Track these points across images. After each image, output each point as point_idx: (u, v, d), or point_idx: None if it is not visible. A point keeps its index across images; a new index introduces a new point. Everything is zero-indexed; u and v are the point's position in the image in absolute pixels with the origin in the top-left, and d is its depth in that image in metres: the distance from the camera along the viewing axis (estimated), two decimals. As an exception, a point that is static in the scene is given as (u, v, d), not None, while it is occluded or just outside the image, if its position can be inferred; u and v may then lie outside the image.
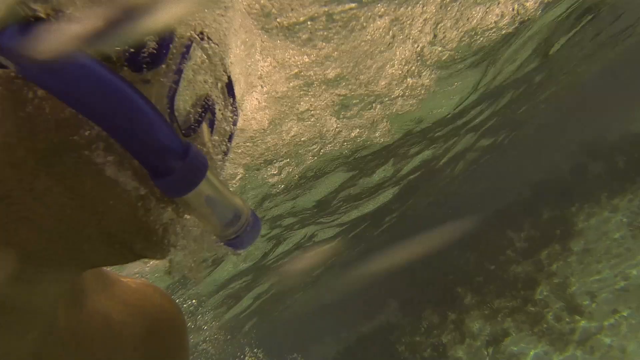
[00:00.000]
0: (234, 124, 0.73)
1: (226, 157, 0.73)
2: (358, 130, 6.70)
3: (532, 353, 9.70)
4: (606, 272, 10.33)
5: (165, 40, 0.53)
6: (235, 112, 0.72)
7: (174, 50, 0.55)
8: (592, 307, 9.48)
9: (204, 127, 0.63)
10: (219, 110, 0.69)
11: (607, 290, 9.62)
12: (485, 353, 10.97)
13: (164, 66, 0.54)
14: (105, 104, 0.46)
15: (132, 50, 0.50)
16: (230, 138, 0.73)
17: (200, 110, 0.61)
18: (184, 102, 0.59)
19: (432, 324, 14.93)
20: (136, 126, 0.48)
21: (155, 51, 0.52)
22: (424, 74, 5.96)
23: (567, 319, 9.71)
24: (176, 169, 0.50)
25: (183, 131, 0.57)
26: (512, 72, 8.96)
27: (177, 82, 0.55)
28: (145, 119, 0.48)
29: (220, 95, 0.68)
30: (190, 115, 0.60)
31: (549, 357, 9.09)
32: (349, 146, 7.06)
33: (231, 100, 0.71)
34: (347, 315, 34.96)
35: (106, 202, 0.51)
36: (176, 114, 0.55)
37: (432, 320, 15.20)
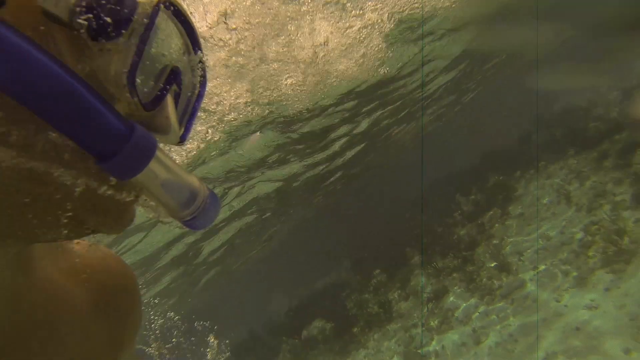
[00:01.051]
0: (200, 95, 0.70)
1: (188, 131, 0.70)
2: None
3: (463, 305, 10.49)
4: (533, 234, 11.16)
5: (127, 6, 0.49)
6: (203, 83, 0.69)
7: (138, 18, 0.51)
8: (518, 265, 10.31)
9: (169, 99, 0.60)
10: (186, 81, 0.66)
11: (532, 250, 10.45)
12: (426, 309, 11.73)
13: (125, 35, 0.50)
14: (29, 83, 0.41)
15: (89, 15, 0.46)
16: (194, 110, 0.70)
17: (164, 82, 0.58)
18: (147, 74, 0.55)
19: (380, 282, 15.70)
20: (68, 107, 0.44)
21: (116, 18, 0.48)
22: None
23: (497, 277, 10.50)
24: (120, 151, 0.48)
25: (144, 105, 0.54)
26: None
27: (139, 53, 0.51)
28: (78, 99, 0.44)
29: (188, 66, 0.65)
30: (154, 88, 0.57)
31: (477, 308, 9.85)
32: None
33: (200, 70, 0.68)
34: (302, 273, 35.96)
35: (52, 182, 0.48)
36: (138, 87, 0.52)
37: (380, 279, 15.96)
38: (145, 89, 0.55)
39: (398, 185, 37.20)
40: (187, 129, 0.70)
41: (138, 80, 0.52)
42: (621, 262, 7.71)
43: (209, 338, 14.18)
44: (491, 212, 14.39)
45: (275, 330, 19.20)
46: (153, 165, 0.52)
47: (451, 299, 11.37)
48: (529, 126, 20.77)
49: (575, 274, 8.40)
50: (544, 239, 10.59)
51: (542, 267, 9.42)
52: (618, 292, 7.22)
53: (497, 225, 13.49)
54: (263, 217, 21.27)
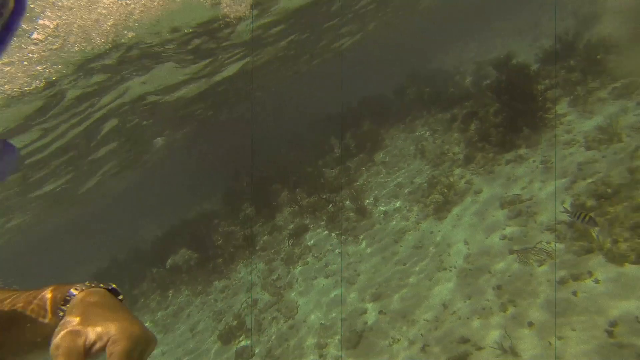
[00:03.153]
0: (17, 12, 0.69)
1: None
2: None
3: (325, 243, 11.45)
4: (390, 181, 12.46)
5: None
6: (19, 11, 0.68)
7: None
8: (372, 208, 11.52)
9: None
10: None
11: (386, 195, 11.74)
12: (287, 244, 12.51)
13: None
14: None
15: None
16: (9, 26, 0.69)
17: None
18: None
19: (248, 216, 16.10)
20: None
21: None
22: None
23: (353, 218, 11.60)
24: None
25: None
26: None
27: None
28: None
29: None
30: None
31: (335, 247, 10.86)
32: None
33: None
34: (172, 203, 34.89)
35: None
36: None
37: (248, 213, 16.35)
38: None
39: (274, 122, 37.33)
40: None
41: None
42: (445, 210, 9.16)
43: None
44: (358, 158, 15.54)
45: (140, 258, 18.66)
46: None
47: (310, 236, 12.30)
48: (405, 80, 22.28)
49: (413, 219, 9.73)
50: (399, 187, 11.92)
51: (393, 209, 10.73)
52: (439, 233, 8.63)
53: (362, 170, 14.65)
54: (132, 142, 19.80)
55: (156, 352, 11.13)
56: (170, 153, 28.56)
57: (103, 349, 0.98)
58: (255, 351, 8.48)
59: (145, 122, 17.89)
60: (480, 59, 20.73)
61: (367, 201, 12.08)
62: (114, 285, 1.23)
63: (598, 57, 10.47)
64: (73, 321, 1.02)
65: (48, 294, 1.21)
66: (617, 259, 5.26)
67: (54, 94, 10.13)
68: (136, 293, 15.68)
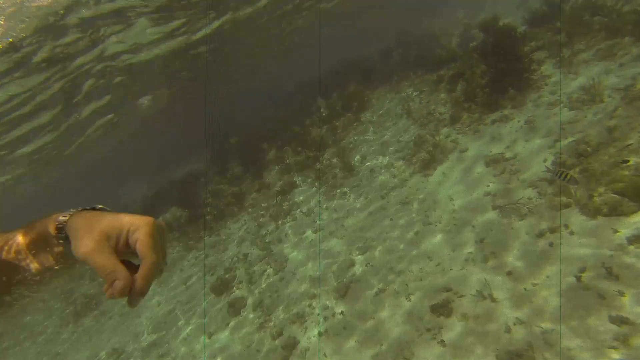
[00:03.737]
0: None
1: None
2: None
3: (312, 201, 11.69)
4: (376, 140, 12.62)
5: None
6: None
7: None
8: (359, 166, 11.73)
9: None
10: None
11: (372, 153, 11.93)
12: (275, 200, 12.72)
13: None
14: None
15: None
16: None
17: None
18: None
19: (235, 174, 16.18)
20: None
21: None
22: None
23: (340, 175, 11.81)
24: None
25: None
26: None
27: None
28: None
29: None
30: None
31: (322, 203, 11.11)
32: None
33: None
34: (161, 162, 34.53)
35: None
36: None
37: (236, 171, 16.41)
38: None
39: (263, 81, 36.63)
40: None
41: None
42: (431, 168, 9.43)
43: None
44: (345, 117, 15.57)
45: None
46: None
47: (297, 193, 12.52)
48: (391, 43, 22.01)
49: (400, 176, 9.98)
50: (385, 145, 12.10)
51: (380, 166, 10.97)
52: (424, 190, 8.94)
53: (348, 129, 14.74)
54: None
55: (153, 302, 11.49)
56: (158, 113, 27.97)
57: (127, 244, 1.06)
58: (247, 302, 8.85)
59: (125, 81, 17.40)
60: (468, 21, 20.52)
61: (354, 159, 12.27)
62: (100, 206, 1.23)
63: (584, 19, 10.54)
64: (86, 242, 1.04)
65: (20, 238, 1.19)
66: (591, 212, 5.61)
67: (23, 55, 9.79)
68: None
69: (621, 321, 4.35)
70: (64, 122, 17.60)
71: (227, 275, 9.90)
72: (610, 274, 4.81)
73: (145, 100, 23.64)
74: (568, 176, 5.31)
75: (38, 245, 1.17)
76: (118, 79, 16.56)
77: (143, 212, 16.22)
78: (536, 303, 5.10)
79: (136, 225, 1.06)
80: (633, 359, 3.99)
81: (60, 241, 1.14)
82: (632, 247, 5.00)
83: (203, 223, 13.85)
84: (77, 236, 1.06)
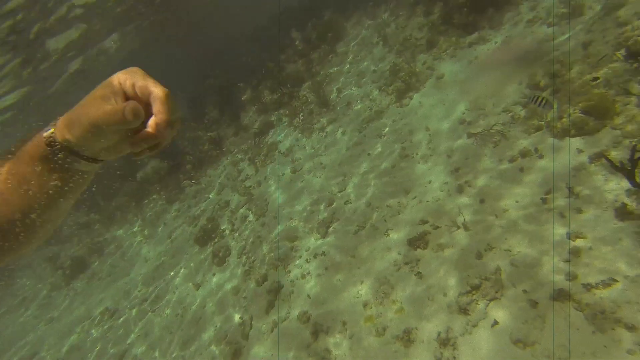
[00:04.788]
0: None
1: None
2: None
3: (289, 139, 11.45)
4: (352, 71, 12.12)
5: None
6: None
7: None
8: (335, 99, 11.36)
9: None
10: None
11: (349, 85, 11.52)
12: (253, 142, 12.45)
13: None
14: None
15: None
16: None
17: None
18: None
19: (212, 119, 15.70)
20: None
21: None
22: None
23: (317, 111, 11.48)
24: None
25: None
26: None
27: None
28: None
29: None
30: None
31: (300, 142, 10.89)
32: None
33: None
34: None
35: None
36: None
37: (213, 115, 15.91)
38: None
39: (233, 19, 34.51)
40: None
41: None
42: (407, 97, 9.14)
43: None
44: (320, 49, 14.82)
45: (109, 175, 18.34)
46: None
47: (275, 133, 12.23)
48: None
49: (376, 107, 9.69)
50: (361, 76, 11.65)
51: (356, 99, 10.64)
52: (401, 121, 8.73)
53: (323, 62, 14.09)
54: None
55: (139, 258, 11.65)
56: (128, 56, 26.52)
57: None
58: (231, 251, 8.94)
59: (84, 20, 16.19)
60: None
61: (331, 92, 11.86)
62: None
63: None
64: (88, 109, 0.99)
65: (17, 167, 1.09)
66: (560, 134, 5.50)
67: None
68: (111, 208, 15.73)
69: (576, 236, 4.47)
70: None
71: (209, 225, 9.92)
72: (572, 193, 4.84)
73: (112, 43, 22.27)
74: (543, 101, 5.11)
75: (36, 171, 1.08)
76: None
77: (119, 166, 15.91)
78: (506, 228, 5.15)
79: (133, 77, 1.01)
80: (583, 271, 4.11)
81: (59, 155, 1.04)
82: (592, 166, 4.99)
83: (183, 173, 13.66)
84: (76, 121, 0.99)
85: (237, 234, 9.29)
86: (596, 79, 5.33)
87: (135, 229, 13.59)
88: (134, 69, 1.03)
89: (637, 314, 3.73)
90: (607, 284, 4.01)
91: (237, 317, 7.12)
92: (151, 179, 14.44)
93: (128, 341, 8.72)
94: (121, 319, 9.62)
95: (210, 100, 17.20)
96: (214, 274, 8.60)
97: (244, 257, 8.41)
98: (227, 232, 9.57)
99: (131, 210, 14.80)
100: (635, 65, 5.23)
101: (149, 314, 9.02)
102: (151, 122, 0.98)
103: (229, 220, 9.88)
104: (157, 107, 0.97)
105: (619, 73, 5.39)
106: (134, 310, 9.56)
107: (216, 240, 9.55)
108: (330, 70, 13.19)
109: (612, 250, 4.22)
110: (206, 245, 9.70)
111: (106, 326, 9.82)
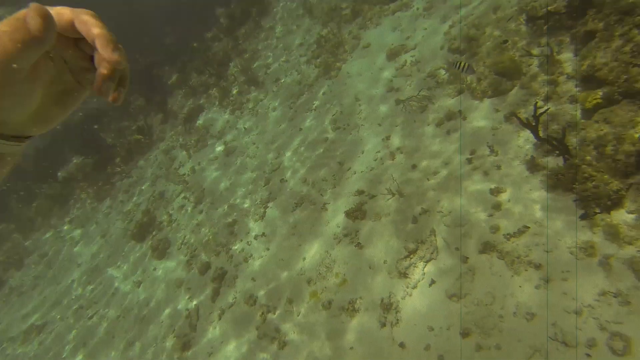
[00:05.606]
0: None
1: None
2: None
3: (220, 121, 11.05)
4: (279, 46, 11.81)
5: None
6: None
7: None
8: (264, 77, 11.07)
9: None
10: None
11: (276, 61, 11.25)
12: (183, 128, 11.87)
13: None
14: None
15: None
16: None
17: None
18: None
19: (139, 107, 14.75)
20: None
21: None
22: None
23: (246, 90, 11.12)
24: None
25: None
26: None
27: None
28: None
29: None
30: None
31: (232, 122, 10.53)
32: None
33: None
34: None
35: None
36: None
37: (139, 104, 14.94)
38: None
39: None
40: None
41: None
42: (335, 69, 9.08)
43: None
44: (246, 26, 14.27)
45: (25, 176, 16.72)
46: None
47: (206, 116, 11.74)
48: None
49: (305, 81, 9.55)
50: (288, 49, 11.38)
51: (285, 74, 10.42)
52: (330, 93, 8.68)
53: (250, 38, 13.60)
54: None
55: (71, 263, 10.87)
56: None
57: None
58: (170, 242, 8.57)
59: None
60: None
61: (258, 70, 11.52)
62: None
63: None
64: None
65: None
66: (479, 95, 5.73)
67: None
68: (30, 213, 14.31)
69: (497, 191, 4.75)
70: None
71: (145, 219, 9.42)
72: (492, 151, 5.11)
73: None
74: (465, 65, 5.24)
75: None
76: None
77: (36, 165, 14.56)
78: (438, 190, 5.34)
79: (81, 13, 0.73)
80: (504, 223, 4.39)
81: None
82: (507, 124, 5.29)
83: (112, 166, 12.79)
84: None
85: (175, 224, 8.92)
86: (505, 41, 5.56)
87: (62, 233, 12.60)
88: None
89: (543, 254, 4.07)
90: (521, 231, 4.31)
91: (183, 309, 6.90)
92: (75, 176, 13.37)
93: (64, 355, 8.16)
94: (52, 333, 8.96)
95: (133, 87, 16.08)
96: (154, 269, 8.23)
97: (185, 247, 8.11)
98: (165, 223, 9.15)
99: (55, 214, 13.67)
100: (534, 28, 5.51)
101: (86, 320, 8.49)
102: (98, 56, 0.72)
103: (165, 211, 9.45)
104: (98, 42, 0.71)
105: (523, 36, 5.67)
106: (67, 321, 8.93)
107: (154, 233, 9.11)
108: (258, 47, 12.78)
109: (526, 199, 4.53)
110: (144, 240, 9.23)
111: (35, 343, 9.07)
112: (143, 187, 11.21)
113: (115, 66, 0.71)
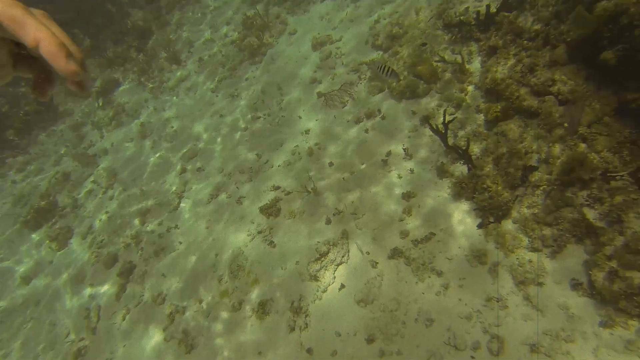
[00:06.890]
0: None
1: None
2: None
3: (138, 98, 10.23)
4: (204, 22, 11.13)
5: None
6: None
7: None
8: (186, 55, 10.40)
9: None
10: None
11: (200, 39, 10.60)
12: (96, 104, 10.85)
13: None
14: None
15: None
16: None
17: None
18: None
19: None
20: None
21: None
22: None
23: (167, 67, 10.38)
24: None
25: None
26: None
27: None
28: None
29: None
30: None
31: (150, 102, 9.81)
32: None
33: None
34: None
35: None
36: None
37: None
38: None
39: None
40: None
41: None
42: (260, 54, 8.76)
43: None
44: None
45: None
46: None
47: (122, 92, 10.82)
48: None
49: (228, 65, 9.11)
50: (214, 27, 10.75)
51: (208, 56, 9.84)
52: (254, 79, 8.38)
53: (174, 9, 12.64)
54: None
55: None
56: None
57: None
58: (73, 231, 7.88)
59: None
60: None
61: (181, 47, 10.78)
62: None
63: None
64: None
65: None
66: (398, 96, 5.84)
67: None
68: None
69: (409, 195, 4.92)
70: None
71: (44, 203, 8.53)
72: (407, 154, 5.27)
73: None
74: (389, 70, 5.25)
75: None
76: None
77: None
78: (353, 191, 5.39)
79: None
80: (413, 227, 4.58)
81: None
82: (422, 128, 5.47)
83: (3, 141, 11.35)
84: None
85: (81, 211, 8.20)
86: (424, 44, 5.68)
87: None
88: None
89: (445, 262, 4.31)
90: (428, 238, 4.50)
91: (82, 309, 6.42)
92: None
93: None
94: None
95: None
96: (51, 262, 7.53)
97: (90, 237, 7.50)
98: (69, 209, 8.38)
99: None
100: (450, 35, 5.68)
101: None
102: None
103: (69, 195, 8.63)
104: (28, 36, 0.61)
105: (439, 41, 5.83)
106: None
107: (54, 220, 8.30)
108: (182, 20, 11.92)
109: (434, 204, 4.74)
110: (40, 228, 8.38)
111: None
112: (43, 167, 10.13)
113: (76, 78, 0.64)
